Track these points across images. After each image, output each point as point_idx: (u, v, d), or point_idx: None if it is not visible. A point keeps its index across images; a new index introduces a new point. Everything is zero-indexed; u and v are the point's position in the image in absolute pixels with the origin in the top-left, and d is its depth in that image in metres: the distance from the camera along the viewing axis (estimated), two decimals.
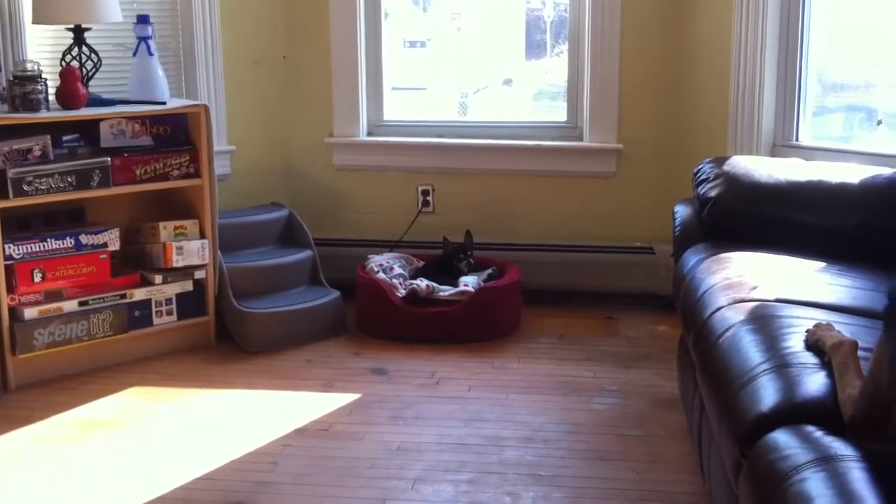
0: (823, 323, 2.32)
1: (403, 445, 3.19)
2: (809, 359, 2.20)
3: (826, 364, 2.14)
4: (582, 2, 4.52)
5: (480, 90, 5.18)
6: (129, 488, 2.92)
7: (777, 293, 2.69)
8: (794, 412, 2.00)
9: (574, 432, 3.28)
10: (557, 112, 4.83)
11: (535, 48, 5.15)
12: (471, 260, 4.39)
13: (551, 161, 4.63)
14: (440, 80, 5.17)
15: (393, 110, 4.87)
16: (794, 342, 2.30)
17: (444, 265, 4.38)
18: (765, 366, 2.21)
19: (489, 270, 4.37)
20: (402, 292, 4.19)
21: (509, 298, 4.25)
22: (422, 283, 4.20)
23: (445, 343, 4.07)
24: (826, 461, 1.77)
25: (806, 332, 2.31)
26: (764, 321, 2.48)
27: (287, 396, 3.61)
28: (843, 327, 2.33)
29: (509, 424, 3.34)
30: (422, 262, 4.48)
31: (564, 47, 4.77)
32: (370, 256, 4.44)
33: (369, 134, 4.82)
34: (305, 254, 4.39)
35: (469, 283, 4.22)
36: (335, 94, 4.74)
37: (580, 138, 4.64)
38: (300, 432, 3.29)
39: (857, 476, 1.70)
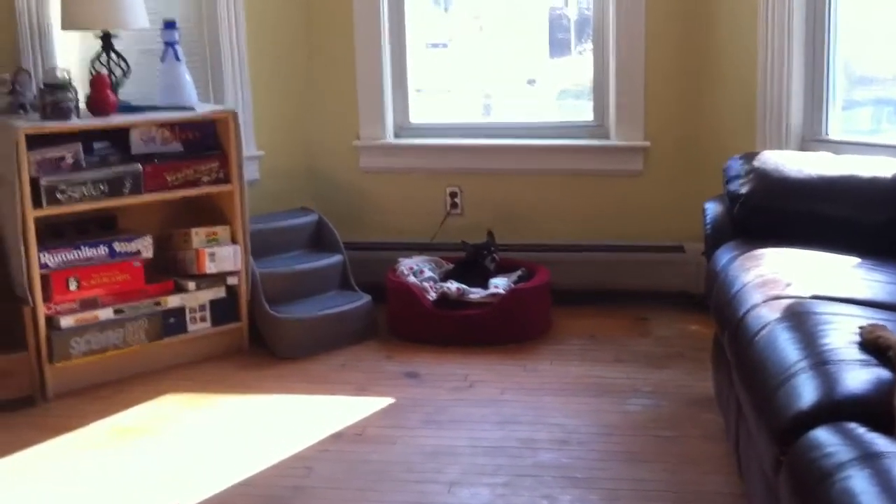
0: (879, 323, 2.30)
1: (438, 449, 3.19)
2: (848, 355, 2.19)
3: (888, 360, 2.12)
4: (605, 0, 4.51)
5: (504, 90, 5.18)
6: (165, 495, 2.94)
7: (812, 290, 2.67)
8: (834, 409, 1.99)
9: (608, 434, 3.28)
10: (582, 111, 4.82)
11: (558, 47, 5.14)
12: (495, 256, 4.38)
13: (578, 160, 4.63)
14: (463, 82, 5.17)
15: (418, 112, 4.88)
16: (833, 339, 2.28)
17: (473, 267, 4.38)
18: (803, 363, 2.20)
19: (519, 272, 4.36)
20: (432, 295, 4.19)
21: (540, 300, 4.25)
22: (452, 285, 4.20)
23: (477, 345, 4.07)
24: (870, 458, 1.76)
25: (860, 328, 2.29)
26: (800, 318, 2.46)
27: (321, 401, 3.62)
28: (876, 322, 2.33)
29: (543, 427, 3.34)
30: (451, 265, 4.48)
31: (587, 46, 4.76)
32: (400, 259, 4.44)
33: (396, 136, 4.82)
34: (336, 258, 4.40)
35: (499, 285, 4.22)
36: (360, 97, 4.75)
37: (606, 137, 4.63)
38: (335, 437, 3.30)
39: None
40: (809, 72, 4.03)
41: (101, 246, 3.77)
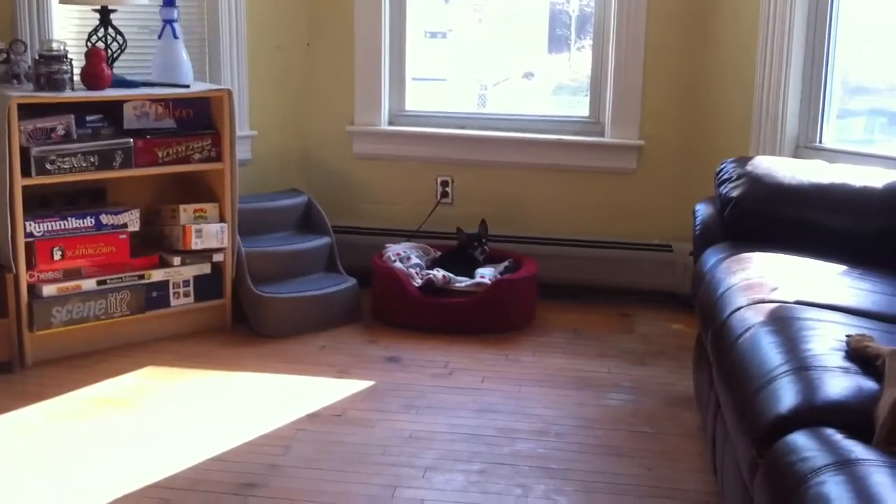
0: (866, 333, 2.31)
1: (415, 434, 3.19)
2: (830, 362, 2.19)
3: (875, 369, 2.12)
4: None
5: (500, 83, 5.18)
6: (140, 467, 2.93)
7: (797, 295, 2.68)
8: (813, 415, 2.00)
9: (587, 427, 3.28)
10: (577, 107, 4.82)
11: (557, 42, 5.14)
12: (485, 247, 4.39)
13: (572, 156, 4.62)
14: (460, 72, 5.17)
15: (413, 100, 4.87)
16: (815, 345, 2.29)
17: (460, 256, 4.38)
18: (784, 367, 2.21)
19: (506, 263, 4.36)
20: (418, 282, 4.19)
21: (525, 291, 4.25)
22: (438, 273, 4.20)
23: (460, 334, 4.07)
24: (845, 464, 1.76)
25: (847, 336, 2.30)
26: (784, 323, 2.47)
27: (301, 381, 3.62)
28: (863, 332, 2.34)
29: (522, 417, 3.35)
30: (439, 253, 4.48)
31: (587, 42, 4.76)
32: (387, 245, 4.44)
33: (390, 123, 4.81)
34: (323, 240, 4.40)
35: (485, 275, 4.22)
36: (357, 83, 4.74)
37: (602, 134, 4.63)
38: (313, 417, 3.31)
39: (878, 480, 1.70)
40: (807, 79, 4.04)
41: (88, 217, 3.76)
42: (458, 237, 4.42)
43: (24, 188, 3.59)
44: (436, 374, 3.70)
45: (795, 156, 4.02)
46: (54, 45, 3.72)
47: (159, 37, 4.08)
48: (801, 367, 2.19)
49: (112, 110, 3.86)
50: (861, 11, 4.01)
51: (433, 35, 5.18)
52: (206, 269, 4.03)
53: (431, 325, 4.11)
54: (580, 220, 4.65)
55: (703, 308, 3.01)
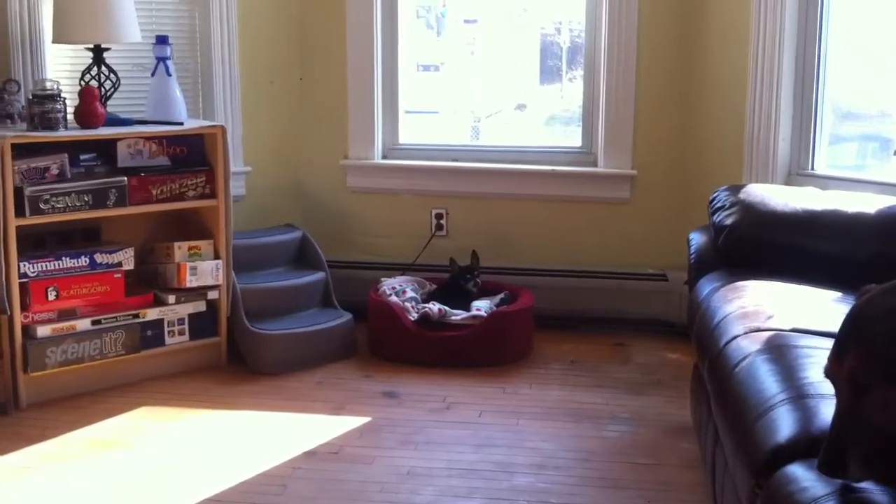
0: None
1: (414, 470, 3.17)
2: (827, 390, 2.17)
3: None
4: (598, 28, 4.53)
5: (493, 114, 5.19)
6: None
7: (793, 323, 2.67)
8: (811, 444, 1.98)
9: (585, 459, 3.27)
10: (571, 137, 4.84)
11: (548, 73, 5.16)
12: (478, 280, 4.38)
13: (566, 186, 4.63)
14: (453, 104, 5.19)
15: (406, 133, 4.88)
16: (812, 372, 2.27)
17: (455, 289, 4.37)
18: (781, 396, 2.20)
19: (501, 295, 4.36)
20: (414, 316, 4.18)
21: (521, 323, 4.24)
22: (434, 306, 4.19)
23: (457, 367, 4.06)
24: (844, 494, 1.75)
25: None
26: (780, 351, 2.46)
27: (297, 418, 3.60)
28: None
29: (520, 451, 3.33)
30: (434, 286, 4.47)
31: (578, 73, 4.78)
32: (382, 279, 4.44)
33: (384, 157, 4.83)
34: (318, 276, 4.40)
35: (481, 307, 4.21)
36: (350, 117, 4.76)
37: (594, 164, 4.64)
38: (310, 455, 3.28)
39: None
40: (798, 106, 4.05)
41: (83, 257, 3.76)
42: (451, 269, 4.42)
43: (18, 228, 3.58)
44: (433, 409, 3.68)
45: (788, 183, 4.03)
46: (48, 85, 3.73)
47: (152, 74, 4.10)
48: (799, 395, 2.18)
49: (106, 149, 3.87)
50: (850, 37, 4.03)
51: (426, 68, 5.20)
52: (201, 306, 4.02)
53: (428, 359, 4.10)
54: (574, 250, 4.66)
55: (700, 337, 3.00)
